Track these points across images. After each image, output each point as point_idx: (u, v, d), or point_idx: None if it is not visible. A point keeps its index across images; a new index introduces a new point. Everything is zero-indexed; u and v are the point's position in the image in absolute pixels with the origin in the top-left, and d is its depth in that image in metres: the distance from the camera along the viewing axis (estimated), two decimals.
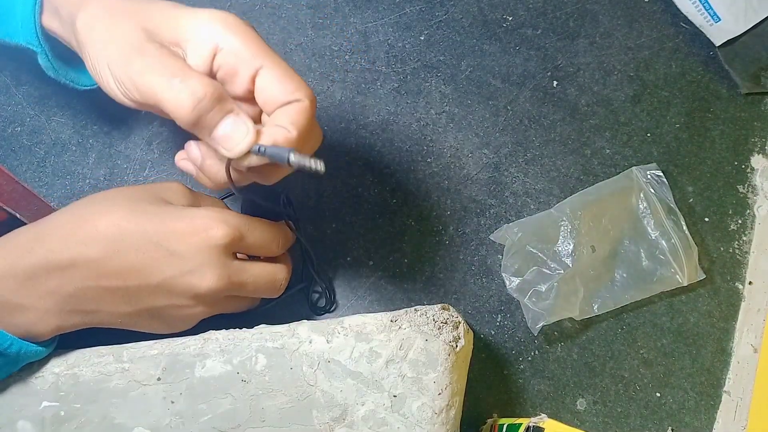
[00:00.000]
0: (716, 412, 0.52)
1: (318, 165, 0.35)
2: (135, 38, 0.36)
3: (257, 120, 0.39)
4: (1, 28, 0.42)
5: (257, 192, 0.38)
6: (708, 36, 0.58)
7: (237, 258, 0.41)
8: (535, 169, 0.55)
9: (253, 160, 0.36)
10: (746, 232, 0.56)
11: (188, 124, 0.35)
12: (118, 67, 0.35)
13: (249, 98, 0.38)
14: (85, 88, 0.46)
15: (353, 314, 0.44)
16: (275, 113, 0.37)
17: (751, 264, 0.55)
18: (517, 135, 0.55)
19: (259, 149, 0.35)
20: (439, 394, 0.41)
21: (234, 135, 0.35)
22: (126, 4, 0.37)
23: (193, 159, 0.40)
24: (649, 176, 0.53)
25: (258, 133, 0.35)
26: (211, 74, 0.37)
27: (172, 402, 0.41)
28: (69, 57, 0.44)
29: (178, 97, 0.34)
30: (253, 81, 0.37)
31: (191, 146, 0.40)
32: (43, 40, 0.42)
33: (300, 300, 0.50)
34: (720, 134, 0.57)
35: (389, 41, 0.56)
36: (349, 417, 0.41)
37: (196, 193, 0.44)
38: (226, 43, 0.36)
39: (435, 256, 0.52)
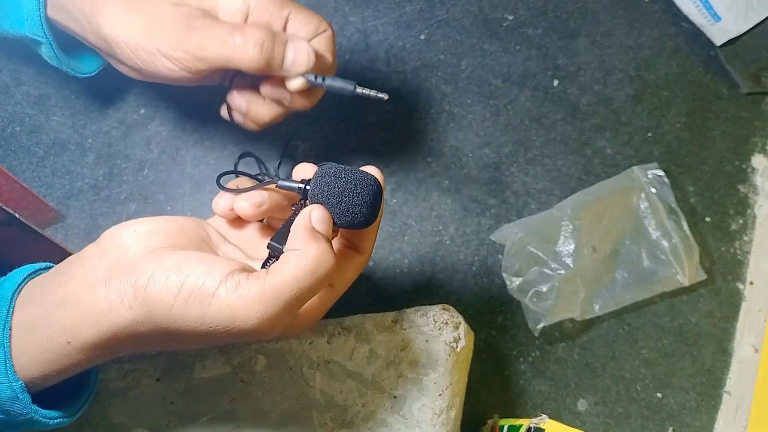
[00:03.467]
0: (717, 413, 0.52)
1: (381, 94, 0.41)
2: (174, 18, 0.38)
3: None
4: (7, 20, 0.42)
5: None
6: (708, 36, 0.58)
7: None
8: (535, 168, 0.55)
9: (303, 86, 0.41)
10: (747, 232, 0.56)
11: (262, 67, 0.39)
12: (173, 49, 0.38)
13: None
14: (84, 75, 0.46)
15: (353, 314, 0.44)
16: (312, 43, 0.41)
17: (752, 264, 0.55)
18: (518, 134, 0.55)
19: (324, 80, 0.40)
20: (440, 394, 0.41)
21: (300, 56, 0.40)
22: None
23: (238, 107, 0.44)
24: (650, 176, 0.53)
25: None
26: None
27: (172, 402, 0.40)
28: (69, 46, 0.44)
29: (245, 52, 0.38)
30: (285, 28, 0.42)
31: (234, 97, 0.44)
32: (48, 32, 0.42)
33: None
34: (721, 134, 0.57)
35: (389, 41, 0.56)
36: (348, 418, 0.40)
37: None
38: (254, 2, 0.40)
39: (435, 256, 0.52)
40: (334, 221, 0.33)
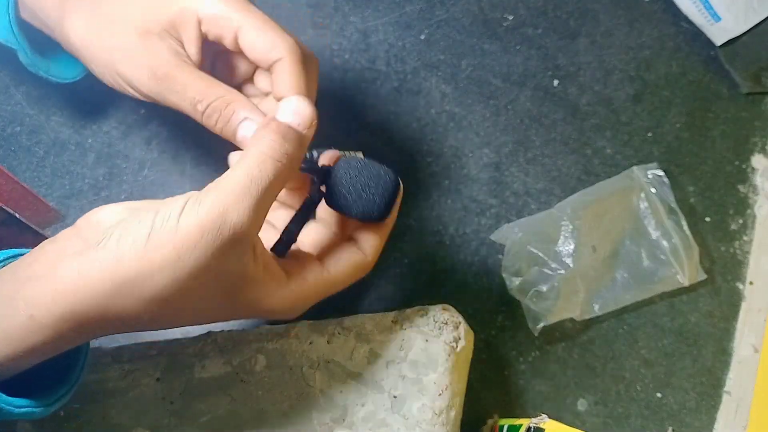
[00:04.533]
0: (717, 413, 0.52)
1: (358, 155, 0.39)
2: (139, 59, 0.36)
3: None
4: None
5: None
6: (708, 36, 0.58)
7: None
8: (535, 168, 0.55)
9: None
10: (747, 232, 0.56)
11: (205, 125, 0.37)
12: (137, 86, 0.36)
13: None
14: (67, 81, 0.45)
15: (353, 315, 0.44)
16: (274, 91, 0.37)
17: (751, 264, 0.55)
18: (518, 134, 0.55)
19: (308, 166, 0.35)
20: (440, 394, 0.41)
21: (244, 137, 0.35)
22: (110, 6, 0.37)
23: None
24: (650, 176, 0.53)
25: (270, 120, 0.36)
26: (207, 47, 0.38)
27: (171, 402, 0.40)
28: (49, 50, 0.43)
29: (200, 118, 0.36)
30: (237, 42, 0.37)
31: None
32: (21, 37, 0.40)
33: None
34: (721, 134, 0.57)
35: (389, 40, 0.56)
36: (348, 418, 0.40)
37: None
38: (204, 10, 0.36)
39: (435, 256, 0.52)
40: (349, 210, 0.33)
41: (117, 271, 0.27)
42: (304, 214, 0.35)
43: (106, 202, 0.50)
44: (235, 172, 0.29)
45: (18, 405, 0.29)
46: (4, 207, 0.40)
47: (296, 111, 0.32)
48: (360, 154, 0.39)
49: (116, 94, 0.52)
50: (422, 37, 0.56)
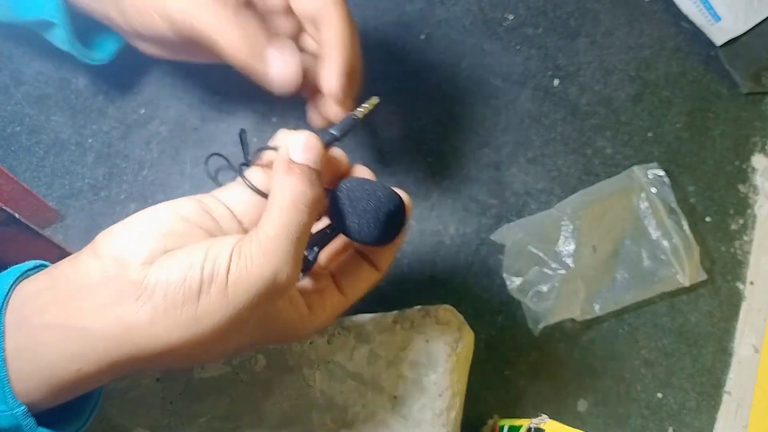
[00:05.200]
0: (717, 413, 0.52)
1: (372, 101, 0.38)
2: None
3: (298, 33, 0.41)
4: (21, 3, 0.41)
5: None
6: (709, 36, 0.58)
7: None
8: (536, 168, 0.55)
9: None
10: (747, 232, 0.56)
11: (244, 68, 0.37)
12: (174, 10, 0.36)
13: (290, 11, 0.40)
14: (96, 63, 0.45)
15: (353, 315, 0.44)
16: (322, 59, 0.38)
17: (752, 264, 0.55)
18: (518, 134, 0.55)
19: (334, 137, 0.35)
20: (440, 395, 0.41)
21: (279, 73, 0.37)
22: None
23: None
24: (650, 176, 0.53)
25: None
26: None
27: (171, 402, 0.40)
28: (81, 33, 0.43)
29: (230, 38, 0.36)
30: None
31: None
32: (64, 13, 0.41)
33: None
34: (721, 134, 0.57)
35: (389, 40, 0.56)
36: (348, 418, 0.40)
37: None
38: None
39: (435, 256, 0.52)
40: (352, 237, 0.33)
41: (164, 329, 0.28)
42: (323, 242, 0.35)
43: (106, 202, 0.50)
44: (274, 225, 0.29)
45: None
46: (4, 207, 0.40)
47: (308, 146, 0.32)
48: (375, 99, 0.38)
49: (117, 94, 0.52)
50: (422, 37, 0.56)
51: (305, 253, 0.33)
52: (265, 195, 0.33)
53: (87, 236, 0.49)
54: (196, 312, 0.28)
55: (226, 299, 0.28)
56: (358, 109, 0.37)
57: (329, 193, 0.33)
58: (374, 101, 0.38)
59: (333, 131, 0.35)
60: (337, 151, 0.35)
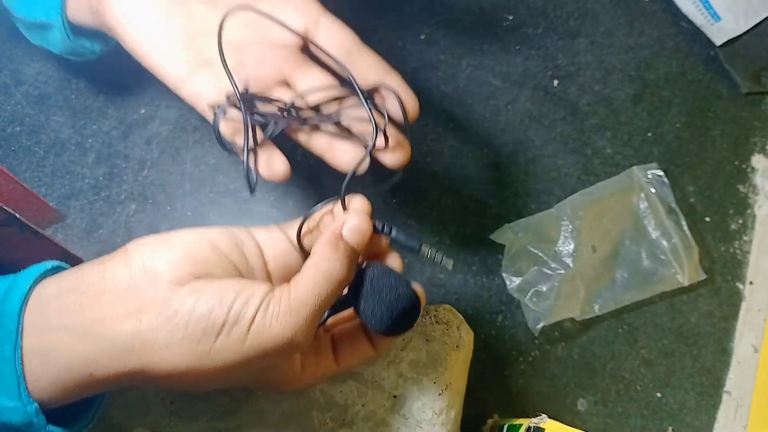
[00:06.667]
0: (717, 412, 0.52)
1: (448, 263, 0.37)
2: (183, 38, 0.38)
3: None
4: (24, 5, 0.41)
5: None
6: (708, 36, 0.58)
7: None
8: (535, 168, 0.55)
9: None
10: (747, 232, 0.56)
11: None
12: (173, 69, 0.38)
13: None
14: (91, 58, 0.45)
15: None
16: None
17: (751, 264, 0.55)
18: (518, 134, 0.55)
19: (391, 233, 0.36)
20: (440, 394, 0.41)
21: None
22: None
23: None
24: (649, 176, 0.53)
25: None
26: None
27: (172, 402, 0.40)
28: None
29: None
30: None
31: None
32: (64, 16, 0.41)
33: None
34: (721, 134, 0.57)
35: (389, 40, 0.56)
36: (348, 417, 0.40)
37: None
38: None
39: None
40: (364, 318, 0.34)
41: (177, 355, 0.28)
42: (335, 309, 0.36)
43: (107, 202, 0.50)
44: (306, 290, 0.30)
45: None
46: (4, 207, 0.40)
47: (358, 230, 0.33)
48: (449, 263, 0.37)
49: (117, 94, 0.52)
50: (422, 37, 0.56)
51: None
52: (304, 253, 0.34)
53: (87, 236, 0.49)
54: (211, 348, 0.28)
55: (242, 345, 0.29)
56: (431, 250, 0.37)
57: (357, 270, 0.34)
58: (448, 264, 0.37)
59: (396, 235, 0.36)
60: (382, 238, 0.36)
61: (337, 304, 0.35)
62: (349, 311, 0.38)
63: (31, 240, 0.43)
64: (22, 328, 0.28)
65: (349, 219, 0.33)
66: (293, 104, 0.37)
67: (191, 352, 0.28)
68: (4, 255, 0.42)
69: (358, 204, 0.35)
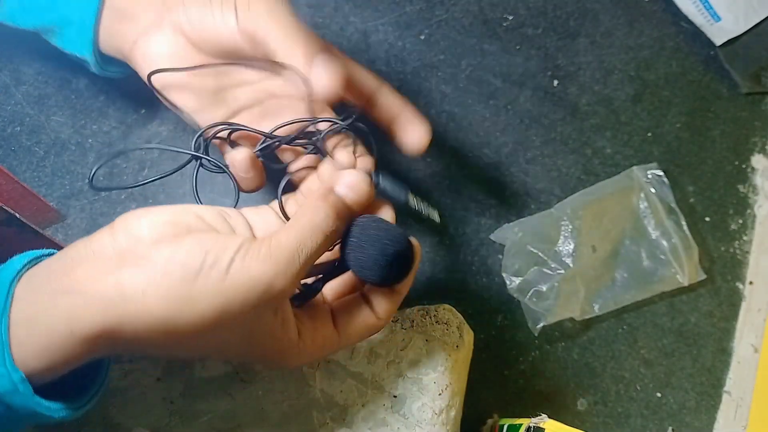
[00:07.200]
0: (717, 412, 0.52)
1: (433, 214, 0.38)
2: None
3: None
4: (63, 40, 0.43)
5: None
6: (708, 36, 0.58)
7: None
8: (535, 168, 0.55)
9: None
10: (747, 232, 0.56)
11: None
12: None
13: None
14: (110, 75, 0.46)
15: None
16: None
17: (751, 264, 0.55)
18: (518, 134, 0.55)
19: (378, 183, 0.37)
20: (440, 394, 0.41)
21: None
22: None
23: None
24: (649, 176, 0.53)
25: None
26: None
27: (172, 402, 0.40)
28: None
29: None
30: None
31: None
32: (98, 56, 0.43)
33: None
34: (721, 134, 0.57)
35: (389, 40, 0.56)
36: (348, 417, 0.40)
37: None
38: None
39: (435, 256, 0.52)
40: (356, 268, 0.33)
41: (156, 302, 0.28)
42: (330, 274, 0.35)
43: (107, 202, 0.50)
44: (288, 237, 0.30)
45: (55, 408, 0.30)
46: (4, 207, 0.40)
47: (353, 186, 0.33)
48: (435, 216, 0.38)
49: (117, 94, 0.52)
50: (422, 37, 0.56)
51: (310, 281, 0.34)
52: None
53: (87, 236, 0.49)
54: (189, 292, 0.28)
55: (221, 288, 0.28)
56: (417, 200, 0.38)
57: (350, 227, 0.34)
58: (434, 216, 0.39)
59: (383, 184, 0.36)
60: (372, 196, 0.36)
61: (328, 267, 0.34)
62: (346, 285, 0.37)
63: (31, 240, 0.43)
64: (12, 299, 0.29)
65: (345, 175, 0.33)
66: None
67: (169, 297, 0.28)
68: (4, 255, 0.42)
69: (362, 162, 0.35)
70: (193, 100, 0.40)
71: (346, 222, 0.33)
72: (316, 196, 0.32)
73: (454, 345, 0.42)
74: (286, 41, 0.36)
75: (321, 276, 0.34)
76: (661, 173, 0.53)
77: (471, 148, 0.55)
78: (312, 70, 0.36)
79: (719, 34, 0.57)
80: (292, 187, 0.39)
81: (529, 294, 0.49)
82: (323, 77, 0.36)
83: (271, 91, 0.40)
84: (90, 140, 0.51)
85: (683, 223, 0.52)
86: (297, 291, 0.33)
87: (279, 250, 0.30)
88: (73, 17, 0.41)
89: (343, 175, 0.34)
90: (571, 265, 0.50)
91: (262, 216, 0.35)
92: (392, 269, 0.33)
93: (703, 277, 0.52)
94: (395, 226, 0.34)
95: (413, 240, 0.34)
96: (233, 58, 0.39)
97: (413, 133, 0.40)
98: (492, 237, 0.52)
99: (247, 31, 0.37)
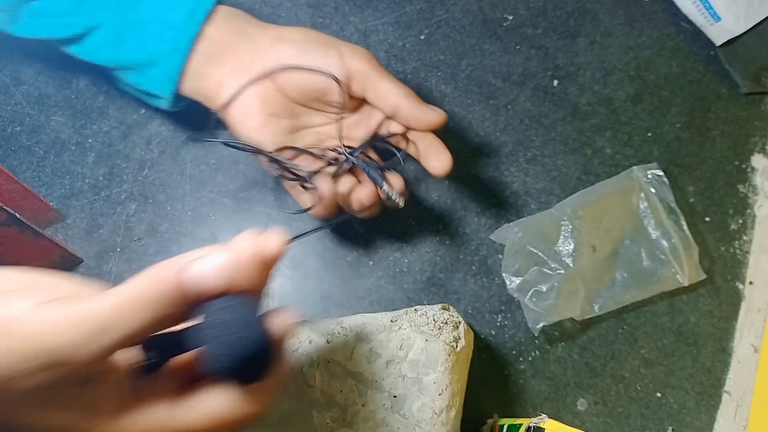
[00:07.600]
0: (717, 412, 0.52)
1: (399, 199, 0.43)
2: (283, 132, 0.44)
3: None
4: (141, 76, 0.45)
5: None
6: (708, 36, 0.58)
7: None
8: (535, 168, 0.55)
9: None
10: (747, 232, 0.56)
11: None
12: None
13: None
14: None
15: (353, 314, 0.44)
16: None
17: (751, 264, 0.55)
18: (518, 134, 0.55)
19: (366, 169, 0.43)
20: (440, 394, 0.41)
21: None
22: (275, 100, 0.43)
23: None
24: (649, 176, 0.53)
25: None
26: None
27: None
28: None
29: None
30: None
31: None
32: (176, 92, 0.45)
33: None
34: (720, 134, 0.57)
35: (389, 40, 0.56)
36: (348, 417, 0.40)
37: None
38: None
39: (435, 256, 0.52)
40: (204, 363, 0.26)
41: None
42: (171, 350, 0.28)
43: (107, 202, 0.50)
44: (104, 305, 0.24)
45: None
46: (4, 207, 0.40)
47: (200, 278, 0.25)
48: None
49: (117, 94, 0.52)
50: (422, 37, 0.57)
51: (146, 354, 0.27)
52: None
53: (87, 236, 0.49)
54: None
55: (7, 345, 0.23)
56: (390, 190, 0.44)
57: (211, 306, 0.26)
58: (400, 201, 0.44)
59: (369, 170, 0.43)
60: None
61: (172, 344, 0.28)
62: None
63: (31, 240, 0.43)
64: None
65: (205, 256, 0.25)
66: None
67: None
68: (4, 255, 0.42)
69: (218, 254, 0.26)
70: (269, 140, 0.43)
71: (194, 308, 0.26)
72: (157, 270, 0.25)
73: (454, 345, 0.42)
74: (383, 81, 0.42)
75: (160, 351, 0.28)
76: (661, 173, 0.53)
77: (471, 148, 0.55)
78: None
79: (719, 34, 0.57)
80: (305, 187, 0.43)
81: (529, 294, 0.49)
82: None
83: (332, 134, 0.45)
84: (90, 140, 0.51)
85: (683, 223, 0.52)
86: (140, 362, 0.28)
87: (79, 314, 0.24)
88: (161, 59, 0.43)
89: (205, 257, 0.26)
90: (571, 265, 0.50)
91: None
92: (244, 367, 0.26)
93: (703, 277, 0.52)
94: (258, 319, 0.26)
95: (278, 334, 0.27)
96: (317, 99, 0.43)
97: (437, 162, 0.44)
98: (492, 237, 0.52)
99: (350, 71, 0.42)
